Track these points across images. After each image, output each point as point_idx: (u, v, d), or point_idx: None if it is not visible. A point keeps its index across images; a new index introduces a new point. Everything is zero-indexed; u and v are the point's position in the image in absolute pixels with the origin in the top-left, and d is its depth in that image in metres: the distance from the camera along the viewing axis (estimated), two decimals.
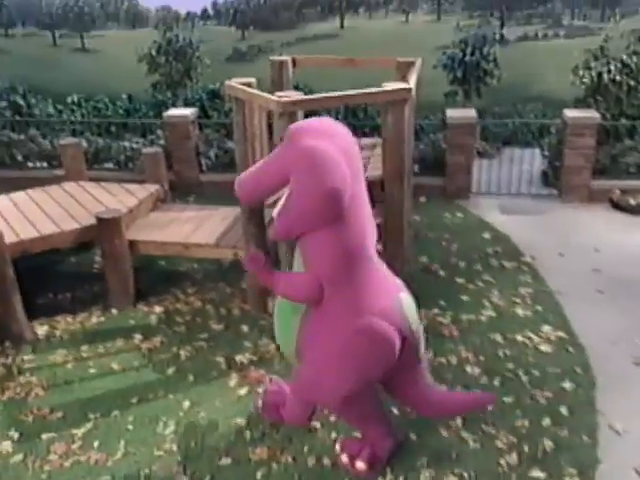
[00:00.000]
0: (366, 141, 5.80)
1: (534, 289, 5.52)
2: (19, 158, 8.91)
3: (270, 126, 4.61)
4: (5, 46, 49.14)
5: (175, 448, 3.72)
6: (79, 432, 3.86)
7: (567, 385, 4.21)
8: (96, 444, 3.77)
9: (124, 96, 16.98)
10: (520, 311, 5.15)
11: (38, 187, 6.43)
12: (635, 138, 8.33)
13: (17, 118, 11.07)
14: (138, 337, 4.87)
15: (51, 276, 5.97)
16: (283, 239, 3.23)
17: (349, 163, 2.89)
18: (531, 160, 8.56)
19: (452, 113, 8.09)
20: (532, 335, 4.79)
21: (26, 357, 4.65)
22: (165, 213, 6.04)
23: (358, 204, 2.95)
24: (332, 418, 3.90)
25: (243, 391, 4.18)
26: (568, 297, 5.37)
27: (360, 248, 2.98)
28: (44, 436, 3.84)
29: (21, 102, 15.39)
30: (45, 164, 8.91)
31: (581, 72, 9.86)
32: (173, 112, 8.54)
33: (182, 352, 4.66)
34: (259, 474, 3.54)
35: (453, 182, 7.92)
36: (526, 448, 3.67)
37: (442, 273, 5.88)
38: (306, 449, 3.71)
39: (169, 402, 4.10)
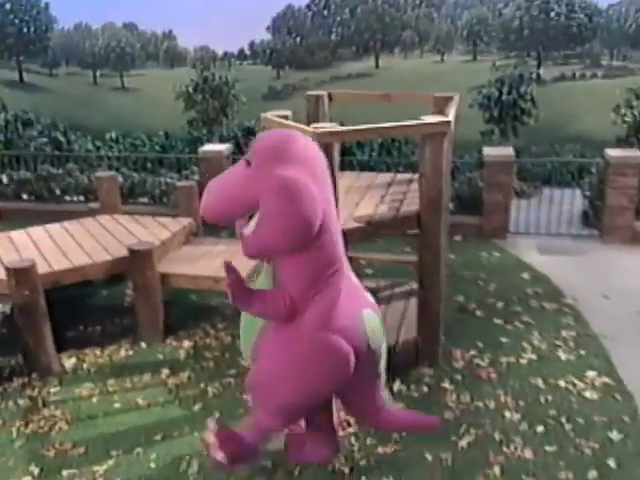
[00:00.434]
0: (402, 176, 5.74)
1: (577, 332, 5.29)
2: (57, 192, 9.09)
3: None
4: (49, 85, 51.13)
5: None
6: (100, 469, 3.76)
7: (614, 435, 3.96)
8: None
9: (161, 133, 17.37)
10: (562, 355, 4.91)
11: (73, 219, 6.50)
12: None
13: (56, 153, 11.36)
14: (165, 372, 4.78)
15: (82, 308, 5.96)
16: (252, 258, 3.24)
17: (318, 184, 2.90)
18: (570, 200, 8.36)
19: (489, 151, 8.00)
20: (576, 381, 4.55)
21: (52, 390, 4.60)
22: (197, 247, 6.02)
23: (329, 224, 2.98)
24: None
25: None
26: (613, 341, 5.12)
27: (330, 267, 3.03)
28: (65, 472, 3.75)
29: (61, 138, 15.86)
30: (82, 198, 9.06)
31: (623, 111, 9.70)
32: (208, 148, 8.62)
33: (210, 388, 4.56)
34: None
35: (490, 221, 7.76)
36: None
37: (479, 313, 5.69)
38: None
39: (194, 440, 3.97)
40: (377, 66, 52.27)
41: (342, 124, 4.47)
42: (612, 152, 7.42)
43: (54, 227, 6.31)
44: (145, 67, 68.65)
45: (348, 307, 3.10)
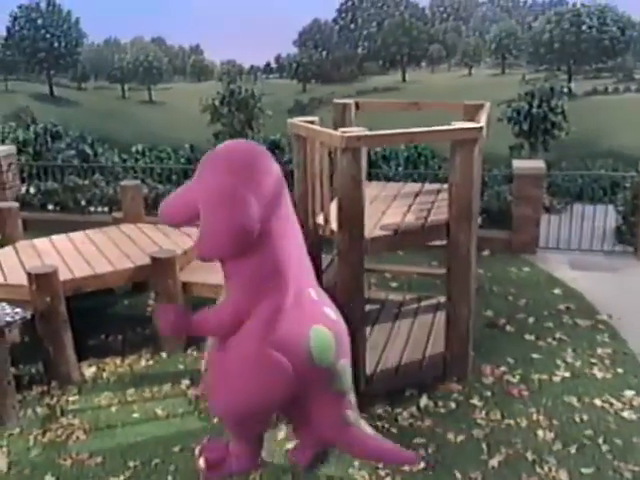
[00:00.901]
0: (430, 186, 5.66)
1: (613, 350, 5.10)
2: (82, 203, 9.17)
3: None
4: (78, 98, 52.11)
5: None
6: None
7: None
8: None
9: (186, 146, 17.55)
10: (598, 373, 4.73)
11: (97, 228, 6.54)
12: None
13: (82, 164, 11.51)
14: (186, 382, 4.72)
15: (103, 318, 5.95)
16: (203, 260, 3.32)
17: (262, 193, 3.00)
18: (603, 216, 8.15)
19: (519, 164, 7.88)
20: (613, 400, 4.37)
21: (71, 398, 4.57)
22: None
23: (273, 234, 3.07)
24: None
25: (291, 444, 3.92)
26: None
27: (273, 278, 3.09)
28: None
29: (89, 151, 16.14)
30: (106, 209, 9.12)
31: None
32: None
33: None
34: None
35: (519, 236, 7.61)
36: None
37: (509, 328, 5.55)
38: None
39: None
40: (404, 80, 52.31)
41: None
42: None
43: (77, 235, 6.34)
44: (172, 81, 69.79)
45: (293, 322, 3.13)
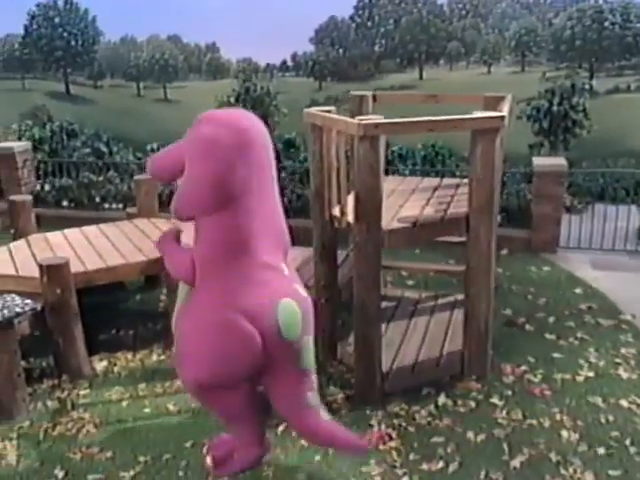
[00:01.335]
0: (449, 181, 5.58)
1: (638, 350, 4.97)
2: (96, 199, 9.18)
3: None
4: (94, 96, 52.48)
5: None
6: (127, 475, 3.64)
7: None
8: None
9: None
10: (624, 373, 4.61)
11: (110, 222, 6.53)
12: None
13: (97, 161, 11.54)
14: None
15: (115, 312, 5.92)
16: (179, 219, 3.35)
17: (247, 157, 3.04)
18: (625, 216, 7.98)
19: (539, 161, 7.75)
20: None
21: (82, 392, 4.54)
22: None
23: (254, 203, 3.10)
24: None
25: (305, 442, 3.83)
26: None
27: (243, 244, 3.11)
28: (90, 477, 3.63)
29: (104, 149, 16.22)
30: (120, 205, 9.12)
31: None
32: None
33: None
34: None
35: (539, 234, 7.47)
36: None
37: (529, 327, 5.44)
38: None
39: None
40: (421, 78, 52.07)
41: None
42: None
43: (90, 229, 6.33)
44: (188, 79, 70.09)
45: (262, 293, 3.14)
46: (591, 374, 4.61)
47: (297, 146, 16.84)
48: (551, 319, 5.59)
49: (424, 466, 3.61)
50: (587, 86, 21.14)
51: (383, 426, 3.93)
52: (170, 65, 62.37)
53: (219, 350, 3.11)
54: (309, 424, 3.41)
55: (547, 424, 4.00)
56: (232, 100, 24.04)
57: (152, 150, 18.18)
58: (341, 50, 64.67)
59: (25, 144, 9.61)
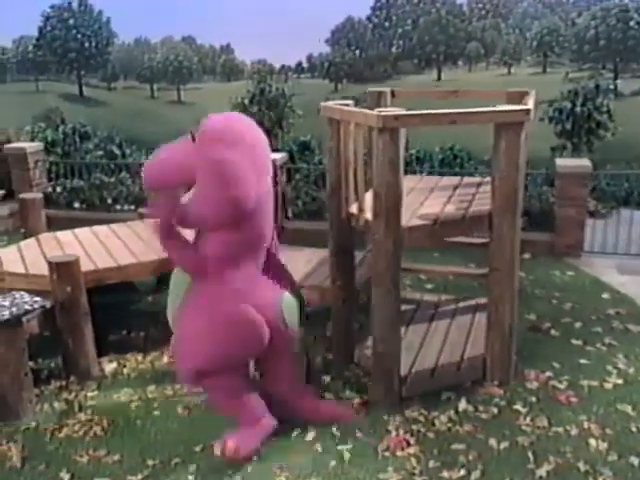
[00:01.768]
0: (469, 179, 5.49)
1: None
2: (108, 200, 9.20)
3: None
4: (107, 98, 52.90)
5: None
6: (135, 479, 3.60)
7: None
8: None
9: None
10: None
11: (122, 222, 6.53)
12: None
13: (109, 162, 11.56)
14: None
15: (126, 314, 5.91)
16: (186, 227, 3.63)
17: (257, 168, 3.35)
18: None
19: (563, 162, 7.62)
20: None
21: (90, 394, 4.51)
22: None
23: (261, 204, 3.43)
24: None
25: (320, 447, 3.80)
26: None
27: (256, 246, 3.53)
28: None
29: (117, 151, 16.30)
30: (132, 207, 9.12)
31: None
32: None
33: None
34: None
35: (562, 238, 7.34)
36: None
37: (554, 332, 5.33)
38: None
39: None
40: (439, 79, 51.92)
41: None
42: None
43: (101, 228, 6.33)
44: (202, 81, 70.49)
45: (267, 287, 3.64)
46: (620, 381, 4.49)
47: (312, 149, 16.78)
48: (577, 324, 5.47)
49: (444, 474, 3.52)
50: (612, 87, 20.87)
51: (401, 432, 3.86)
52: (184, 67, 62.80)
53: (234, 336, 3.51)
54: (309, 401, 3.96)
55: (574, 432, 3.90)
56: (246, 101, 24.06)
57: None
58: (357, 51, 64.69)
59: (37, 145, 9.67)
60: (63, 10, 67.44)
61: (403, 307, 4.79)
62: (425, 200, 4.59)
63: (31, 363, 4.45)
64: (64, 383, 4.62)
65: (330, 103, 4.21)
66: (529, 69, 57.06)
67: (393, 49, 67.80)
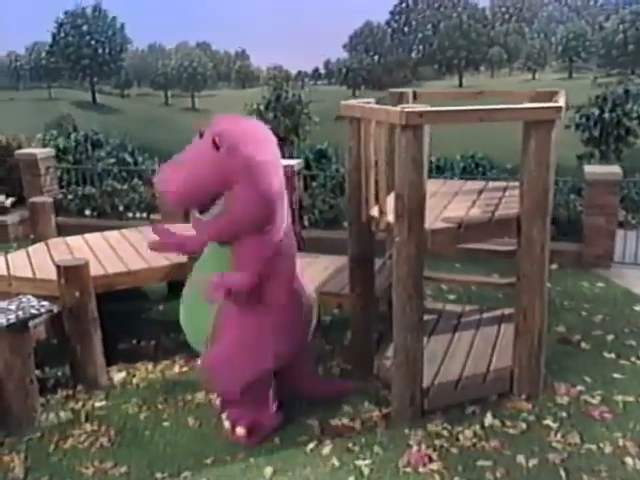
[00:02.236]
0: (495, 184, 5.40)
1: None
2: (120, 208, 9.22)
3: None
4: (120, 106, 53.40)
5: None
6: None
7: None
8: None
9: None
10: None
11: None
12: None
13: (121, 168, 11.60)
14: None
15: (136, 322, 5.88)
16: (214, 240, 3.70)
17: (276, 164, 3.55)
18: None
19: (592, 169, 7.52)
20: None
21: (97, 404, 4.47)
22: None
23: (284, 202, 3.67)
24: None
25: (337, 461, 3.72)
26: None
27: (286, 244, 3.71)
28: None
29: (129, 159, 16.40)
30: (144, 215, 9.13)
31: None
32: None
33: None
34: None
35: (591, 248, 7.22)
36: None
37: (585, 345, 5.21)
38: None
39: (249, 466, 3.71)
40: (461, 85, 51.74)
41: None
42: None
43: (112, 234, 6.33)
44: (217, 87, 70.96)
45: (304, 284, 3.99)
46: None
47: (329, 157, 16.74)
48: (609, 337, 5.36)
49: None
50: None
51: (423, 446, 3.77)
52: (199, 73, 63.30)
53: (300, 325, 3.90)
54: (310, 379, 4.32)
55: (608, 450, 3.78)
56: (262, 108, 24.13)
57: None
58: (376, 57, 64.79)
59: (48, 151, 9.73)
60: (77, 16, 68.36)
61: (425, 317, 4.70)
62: (449, 204, 4.51)
63: (37, 372, 4.44)
64: (71, 392, 4.59)
65: (350, 101, 4.16)
66: (554, 75, 56.67)
67: (413, 54, 67.86)
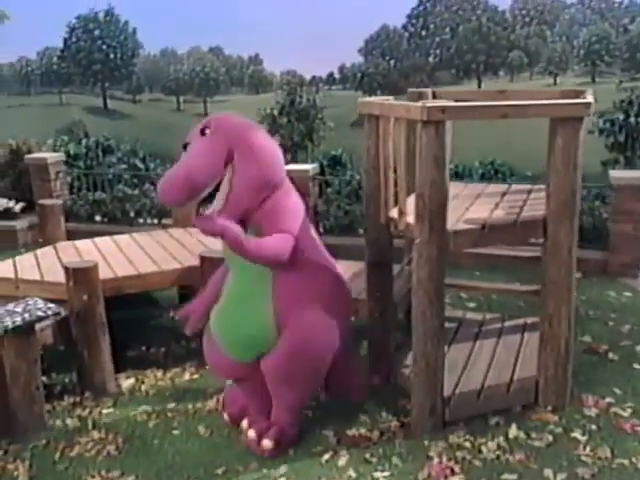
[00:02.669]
0: (518, 187, 5.33)
1: None
2: (131, 214, 9.23)
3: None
4: (132, 111, 53.78)
5: None
6: None
7: None
8: None
9: None
10: None
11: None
12: None
13: (132, 172, 11.65)
14: None
15: (146, 329, 5.87)
16: (224, 227, 3.45)
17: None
18: None
19: (618, 174, 7.43)
20: None
21: (105, 411, 4.44)
22: None
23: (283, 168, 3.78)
24: None
25: (354, 472, 3.64)
26: None
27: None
28: None
29: (140, 165, 16.49)
30: (156, 221, 9.12)
31: None
32: (292, 167, 8.47)
33: None
34: None
35: (617, 256, 7.10)
36: None
37: (612, 356, 5.10)
38: None
39: (262, 477, 3.64)
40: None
41: None
42: None
43: (122, 237, 6.34)
44: (229, 93, 71.34)
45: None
46: None
47: (343, 163, 16.72)
48: (639, 348, 5.24)
49: None
50: None
51: (444, 458, 3.68)
52: (211, 78, 63.67)
53: (346, 310, 4.02)
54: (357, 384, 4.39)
55: None
56: (276, 113, 24.16)
57: None
58: (392, 61, 64.84)
59: (58, 155, 9.77)
60: (89, 20, 69.14)
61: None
62: (471, 205, 4.44)
63: (44, 378, 4.42)
64: (78, 399, 4.56)
65: (369, 98, 4.11)
66: (576, 79, 56.38)
67: (430, 59, 67.83)
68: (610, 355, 5.11)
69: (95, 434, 4.14)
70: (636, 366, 4.89)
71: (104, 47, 67.76)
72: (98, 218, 9.33)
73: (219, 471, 3.72)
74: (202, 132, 3.53)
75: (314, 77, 74.31)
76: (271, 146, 3.63)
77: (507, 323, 5.50)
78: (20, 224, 8.83)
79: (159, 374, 4.96)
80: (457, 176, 15.65)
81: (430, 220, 3.56)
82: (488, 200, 4.67)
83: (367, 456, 3.79)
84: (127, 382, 4.83)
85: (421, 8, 76.40)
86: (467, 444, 3.86)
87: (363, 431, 4.05)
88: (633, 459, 3.71)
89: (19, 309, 4.04)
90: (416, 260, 3.69)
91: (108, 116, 59.02)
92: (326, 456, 3.77)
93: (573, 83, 51.83)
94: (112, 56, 68.11)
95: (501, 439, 3.90)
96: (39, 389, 4.10)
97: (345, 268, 5.56)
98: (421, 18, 75.78)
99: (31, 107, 64.30)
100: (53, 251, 5.79)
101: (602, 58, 58.41)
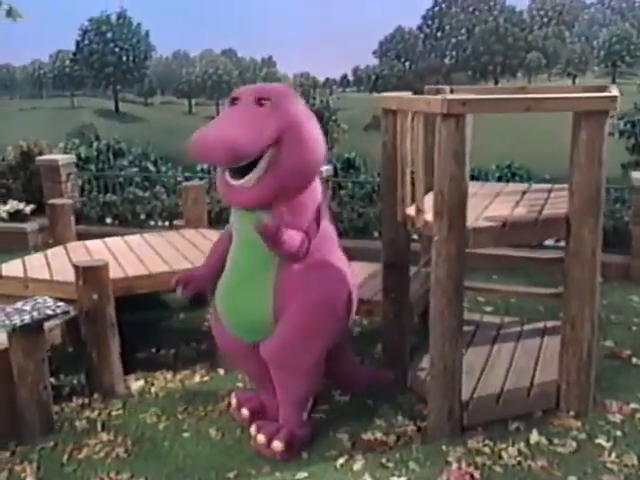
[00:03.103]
0: (538, 186, 5.27)
1: None
2: (141, 216, 9.24)
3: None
4: (144, 114, 54.14)
5: None
6: None
7: None
8: None
9: None
10: None
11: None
12: None
13: (143, 174, 11.69)
14: None
15: (156, 331, 5.86)
16: (252, 203, 3.52)
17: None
18: None
19: None
20: None
21: (114, 413, 4.40)
22: None
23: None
24: None
25: (370, 477, 3.58)
26: None
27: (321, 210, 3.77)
28: None
29: (152, 168, 16.57)
30: (167, 223, 9.13)
31: None
32: None
33: None
34: None
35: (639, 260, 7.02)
36: None
37: (636, 361, 5.02)
38: None
39: None
40: None
41: None
42: None
43: (133, 237, 6.34)
44: None
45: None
46: None
47: (357, 166, 16.69)
48: None
49: None
50: None
51: (463, 464, 3.61)
52: (224, 81, 63.89)
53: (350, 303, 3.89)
54: (363, 371, 4.53)
55: None
56: None
57: (202, 170, 18.46)
58: (407, 63, 64.81)
59: (69, 157, 9.83)
60: (101, 23, 69.70)
61: None
62: (490, 204, 4.38)
63: (52, 379, 4.40)
64: (87, 401, 4.54)
65: (387, 93, 4.07)
66: (595, 80, 56.05)
67: (446, 60, 67.71)
68: (634, 360, 5.04)
69: (104, 436, 4.11)
70: None
71: (116, 50, 68.26)
72: (109, 220, 9.36)
73: (231, 475, 3.68)
74: (259, 102, 3.42)
75: (327, 79, 74.42)
76: (321, 140, 3.62)
77: (526, 326, 5.44)
78: (30, 226, 8.86)
79: (169, 376, 4.94)
80: (473, 179, 15.56)
81: (449, 217, 3.50)
82: (508, 198, 4.61)
83: (383, 461, 3.73)
84: (136, 384, 4.80)
85: (436, 9, 76.27)
86: (487, 450, 3.79)
87: (379, 435, 4.00)
88: None
89: (28, 307, 4.03)
90: (434, 259, 3.64)
91: (119, 119, 59.41)
92: (341, 460, 3.72)
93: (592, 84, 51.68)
94: (124, 59, 68.60)
95: (522, 445, 3.83)
96: (47, 389, 4.07)
97: (359, 269, 5.54)
98: (436, 19, 75.64)
99: (43, 110, 64.88)
100: (63, 251, 5.79)
101: (623, 59, 57.99)
